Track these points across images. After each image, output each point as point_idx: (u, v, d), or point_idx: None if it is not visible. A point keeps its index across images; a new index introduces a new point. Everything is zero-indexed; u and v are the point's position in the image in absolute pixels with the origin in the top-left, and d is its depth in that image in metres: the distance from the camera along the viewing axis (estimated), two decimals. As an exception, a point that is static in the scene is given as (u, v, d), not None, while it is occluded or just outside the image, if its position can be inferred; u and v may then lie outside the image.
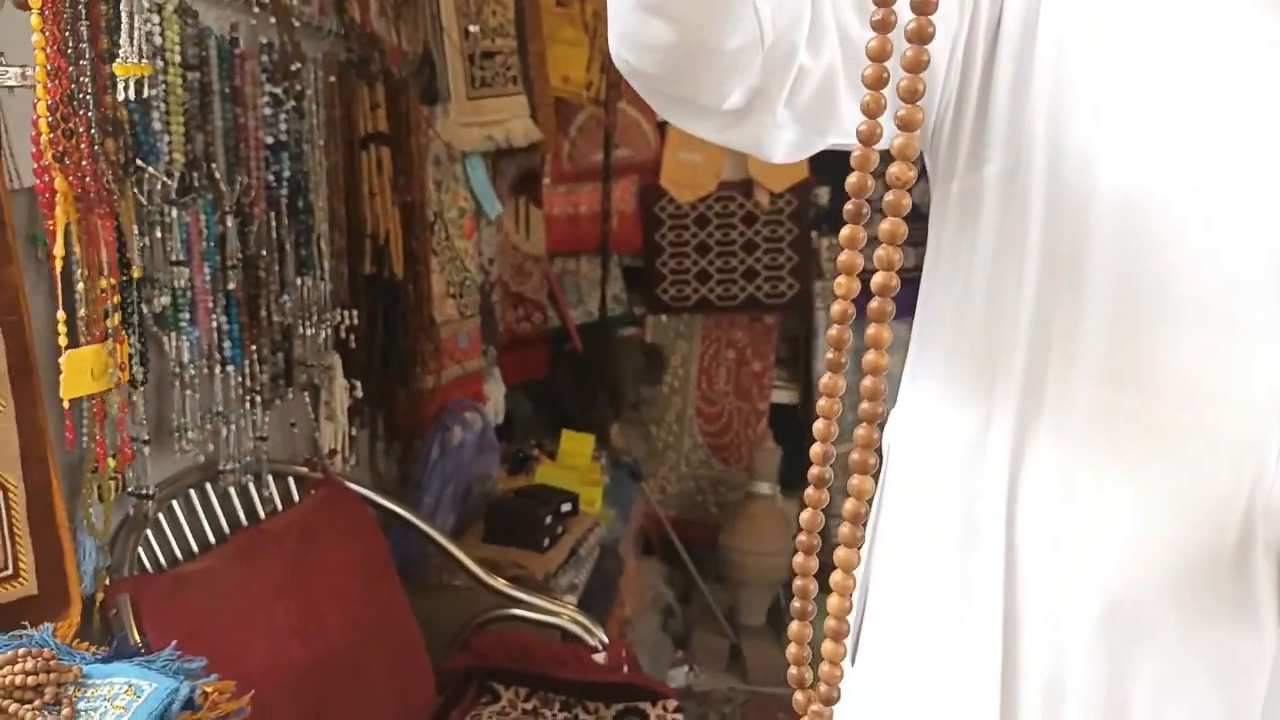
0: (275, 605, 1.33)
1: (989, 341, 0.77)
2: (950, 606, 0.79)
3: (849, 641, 0.91)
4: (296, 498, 1.53)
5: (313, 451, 1.66)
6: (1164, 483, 0.70)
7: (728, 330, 3.00)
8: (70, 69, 0.88)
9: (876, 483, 0.90)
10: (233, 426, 1.38)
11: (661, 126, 2.99)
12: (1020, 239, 0.74)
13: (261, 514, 1.46)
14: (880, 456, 0.72)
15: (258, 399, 1.42)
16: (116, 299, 1.01)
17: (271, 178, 1.43)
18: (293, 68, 1.50)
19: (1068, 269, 0.73)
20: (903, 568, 0.84)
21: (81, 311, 0.96)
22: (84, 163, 0.86)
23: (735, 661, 2.72)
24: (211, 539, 1.37)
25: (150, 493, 1.19)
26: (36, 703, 0.82)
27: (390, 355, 1.89)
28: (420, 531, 1.66)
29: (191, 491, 1.37)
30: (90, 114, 0.90)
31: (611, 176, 3.00)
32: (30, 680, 0.82)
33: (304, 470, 1.56)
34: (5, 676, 0.82)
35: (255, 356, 1.41)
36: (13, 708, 0.80)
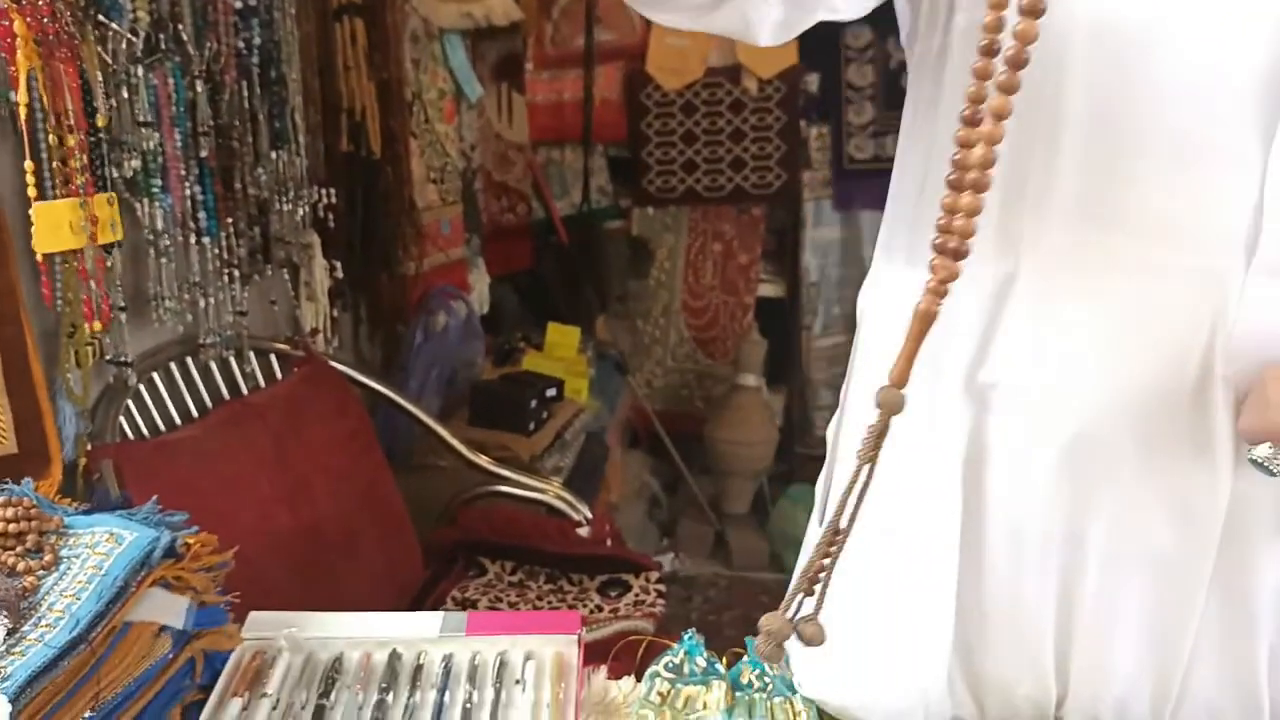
0: (261, 475, 1.34)
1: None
2: (916, 459, 0.79)
3: (817, 508, 0.93)
4: (279, 375, 1.53)
5: (294, 330, 1.64)
6: (1130, 320, 0.69)
7: (714, 222, 2.97)
8: (21, -97, 0.84)
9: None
10: (211, 300, 1.36)
11: (647, 11, 2.91)
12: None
13: (244, 389, 1.45)
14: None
15: (235, 273, 1.40)
16: (84, 157, 0.98)
17: (242, 44, 1.38)
18: (261, -71, 1.44)
19: (1045, 113, 0.71)
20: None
21: (55, 164, 0.94)
22: (41, 3, 0.82)
23: (720, 548, 2.77)
24: (194, 412, 1.37)
25: (129, 360, 1.18)
26: (18, 549, 0.82)
27: (371, 237, 1.86)
28: (405, 412, 1.66)
29: (172, 364, 1.36)
30: (45, -47, 0.86)
31: (595, 62, 2.93)
32: (11, 528, 0.83)
33: (286, 348, 1.55)
34: (-11, 523, 0.82)
35: (232, 230, 1.39)
36: (-4, 553, 0.81)
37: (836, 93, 2.93)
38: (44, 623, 0.76)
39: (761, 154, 2.93)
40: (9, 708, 0.67)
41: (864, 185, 2.93)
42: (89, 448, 1.16)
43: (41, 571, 0.81)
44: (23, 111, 0.85)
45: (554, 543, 1.54)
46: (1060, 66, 0.70)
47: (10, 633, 0.76)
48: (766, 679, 0.93)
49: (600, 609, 1.48)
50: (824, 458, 0.97)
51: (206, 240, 1.32)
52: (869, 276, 0.91)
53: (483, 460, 1.65)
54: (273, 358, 1.53)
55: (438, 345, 2.00)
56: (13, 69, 0.85)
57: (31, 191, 0.88)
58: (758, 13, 0.70)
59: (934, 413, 0.78)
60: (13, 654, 0.73)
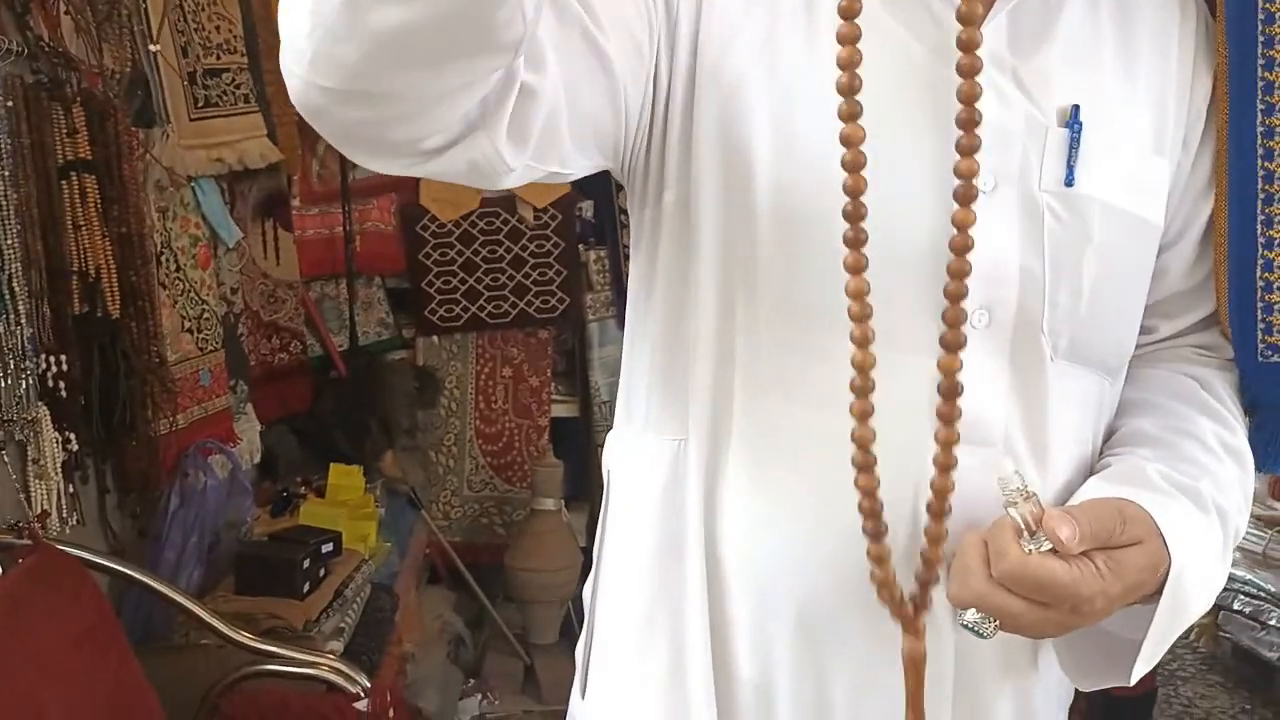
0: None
1: (677, 364, 0.78)
2: (661, 627, 0.78)
3: (579, 674, 0.90)
4: (1, 570, 1.36)
5: (19, 516, 1.48)
6: (840, 492, 0.70)
7: (503, 347, 2.95)
8: None
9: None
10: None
11: (418, 143, 2.90)
12: (695, 265, 0.76)
13: (-48, 594, 1.28)
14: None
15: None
16: None
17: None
18: (-39, 90, 1.34)
19: (740, 290, 0.74)
20: (620, 595, 0.84)
21: None
22: None
23: (530, 681, 2.67)
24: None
25: None
26: None
27: (114, 401, 1.72)
28: (152, 592, 1.51)
29: None
30: None
31: (363, 196, 2.89)
32: None
33: (9, 538, 1.39)
34: None
35: (-69, 416, 1.24)
36: None
37: (611, 217, 3.01)
38: None
39: (543, 279, 2.95)
40: None
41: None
42: None
43: None
44: None
45: (334, 721, 1.43)
46: (749, 250, 0.74)
47: None
48: None
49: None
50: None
51: (-106, 433, 1.17)
52: (611, 435, 0.91)
53: (244, 637, 1.51)
54: (-11, 554, 1.36)
55: (196, 508, 1.86)
56: None
57: None
58: (489, 163, 0.68)
59: (683, 590, 0.78)
60: None
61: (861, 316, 0.64)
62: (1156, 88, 0.78)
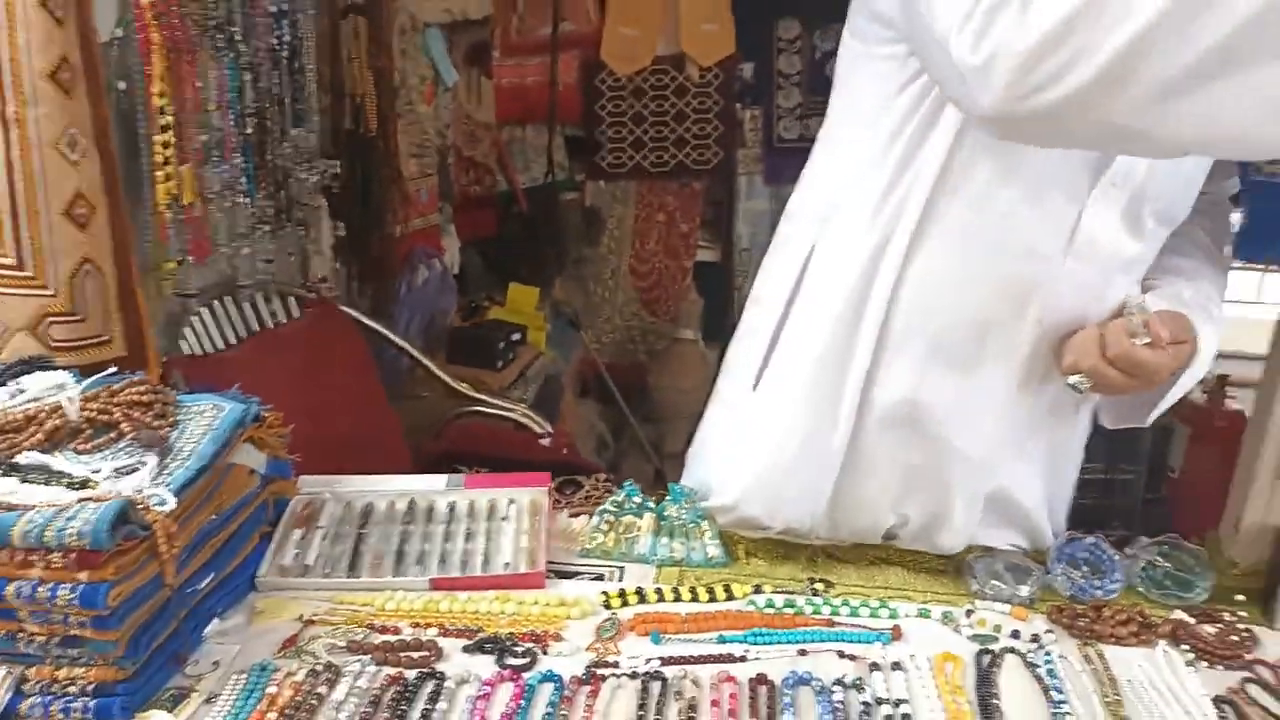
0: (287, 391, 1.67)
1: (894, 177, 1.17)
2: (837, 344, 1.20)
3: (754, 371, 1.29)
4: (297, 313, 1.86)
5: (305, 278, 1.98)
6: (989, 273, 1.15)
7: (659, 195, 3.33)
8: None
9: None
10: (247, 250, 1.69)
11: (601, 1, 3.23)
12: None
13: (270, 324, 1.79)
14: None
15: (266, 229, 1.73)
16: (176, 135, 1.31)
17: (274, 41, 1.70)
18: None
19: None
20: (810, 322, 1.23)
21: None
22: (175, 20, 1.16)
23: (659, 484, 3.13)
24: (232, 339, 1.70)
25: (193, 293, 1.52)
26: (149, 416, 1.16)
27: (366, 202, 2.19)
28: (398, 348, 2.00)
29: (215, 302, 1.69)
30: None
31: (558, 50, 3.25)
32: (145, 398, 1.16)
33: (303, 292, 1.89)
34: (128, 394, 1.15)
35: (263, 194, 1.72)
36: (136, 414, 1.14)
37: (769, 80, 3.29)
38: (178, 459, 1.10)
39: (701, 134, 3.28)
40: (172, 500, 1.01)
41: (791, 162, 3.28)
42: (163, 359, 1.49)
43: (168, 429, 1.15)
44: (156, 102, 1.18)
45: (521, 451, 1.89)
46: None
47: (159, 465, 1.10)
48: (683, 511, 1.31)
49: (558, 503, 1.83)
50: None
51: (246, 201, 1.65)
52: (818, 211, 1.27)
53: (463, 387, 2.00)
54: (292, 300, 1.86)
55: (419, 296, 2.34)
56: (148, 68, 1.17)
57: (159, 158, 1.21)
58: None
59: (858, 328, 1.20)
60: (163, 475, 1.07)
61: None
62: None
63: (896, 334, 1.20)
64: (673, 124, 3.26)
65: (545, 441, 1.91)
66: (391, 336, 2.00)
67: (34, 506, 0.93)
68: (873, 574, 1.30)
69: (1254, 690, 1.11)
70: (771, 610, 1.19)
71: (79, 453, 1.07)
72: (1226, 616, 1.23)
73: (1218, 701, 1.08)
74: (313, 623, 1.11)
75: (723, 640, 1.13)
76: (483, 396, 2.00)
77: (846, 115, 1.26)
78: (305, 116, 1.82)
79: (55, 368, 1.19)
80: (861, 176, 1.20)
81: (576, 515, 1.37)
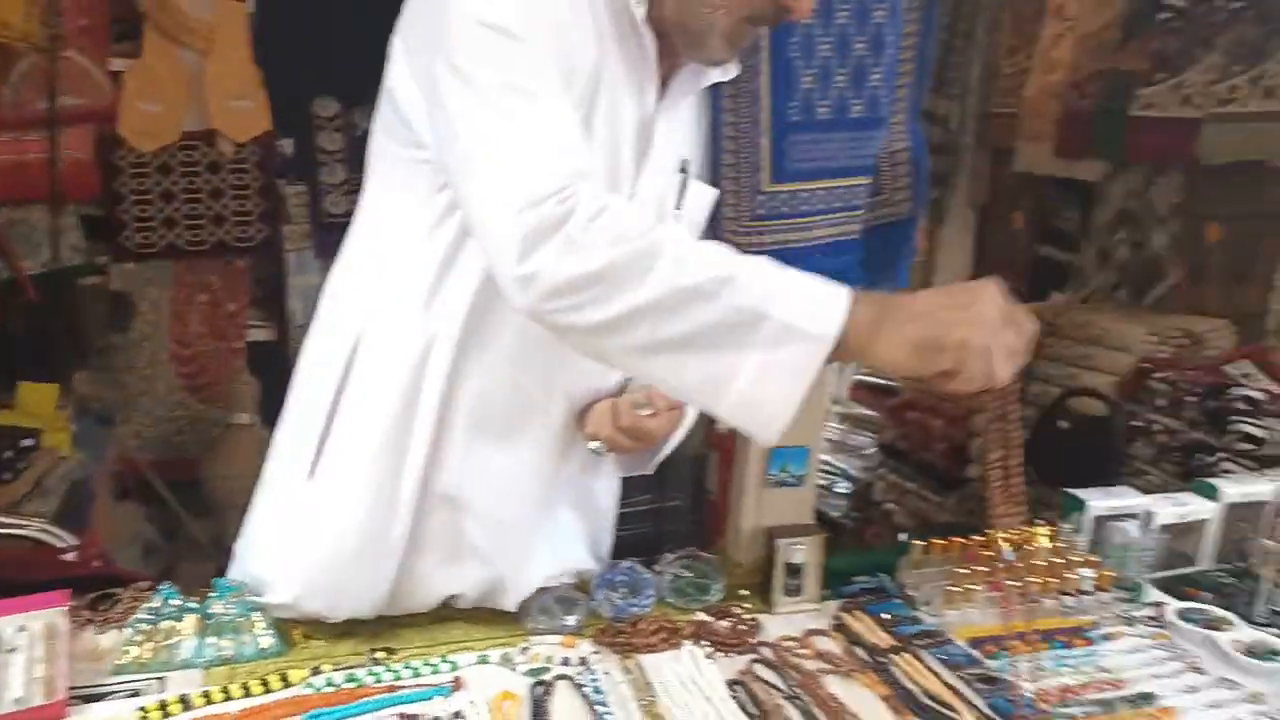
0: None
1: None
2: (394, 436, 1.24)
3: (309, 459, 1.26)
4: None
5: None
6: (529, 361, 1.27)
7: (200, 274, 3.13)
8: None
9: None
10: None
11: (116, 75, 3.00)
12: None
13: None
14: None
15: None
16: None
17: None
18: None
19: None
20: (364, 413, 1.24)
21: None
22: None
23: (226, 582, 2.92)
24: None
25: None
26: None
27: None
28: None
29: None
30: None
31: (61, 124, 2.95)
32: None
33: None
34: None
35: None
36: None
37: (310, 156, 3.25)
38: None
39: (242, 210, 3.16)
40: None
41: (340, 237, 3.27)
42: None
43: None
44: None
45: (44, 570, 1.67)
46: None
47: None
48: (230, 605, 1.25)
49: (90, 621, 1.64)
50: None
51: None
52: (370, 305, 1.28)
53: (-43, 505, 1.72)
54: None
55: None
56: None
57: None
58: None
59: (409, 419, 1.25)
60: None
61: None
62: None
63: (447, 422, 1.26)
64: (209, 201, 3.09)
65: (70, 556, 1.71)
66: None
67: None
68: (434, 633, 1.34)
69: (759, 668, 1.30)
70: (331, 689, 1.18)
71: None
72: (735, 610, 1.42)
73: (731, 684, 1.25)
74: None
75: (279, 728, 1.09)
76: (-15, 514, 1.74)
77: (385, 201, 1.28)
78: None
79: None
80: (408, 268, 1.24)
81: (108, 630, 1.25)
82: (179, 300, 3.13)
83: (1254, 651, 1.36)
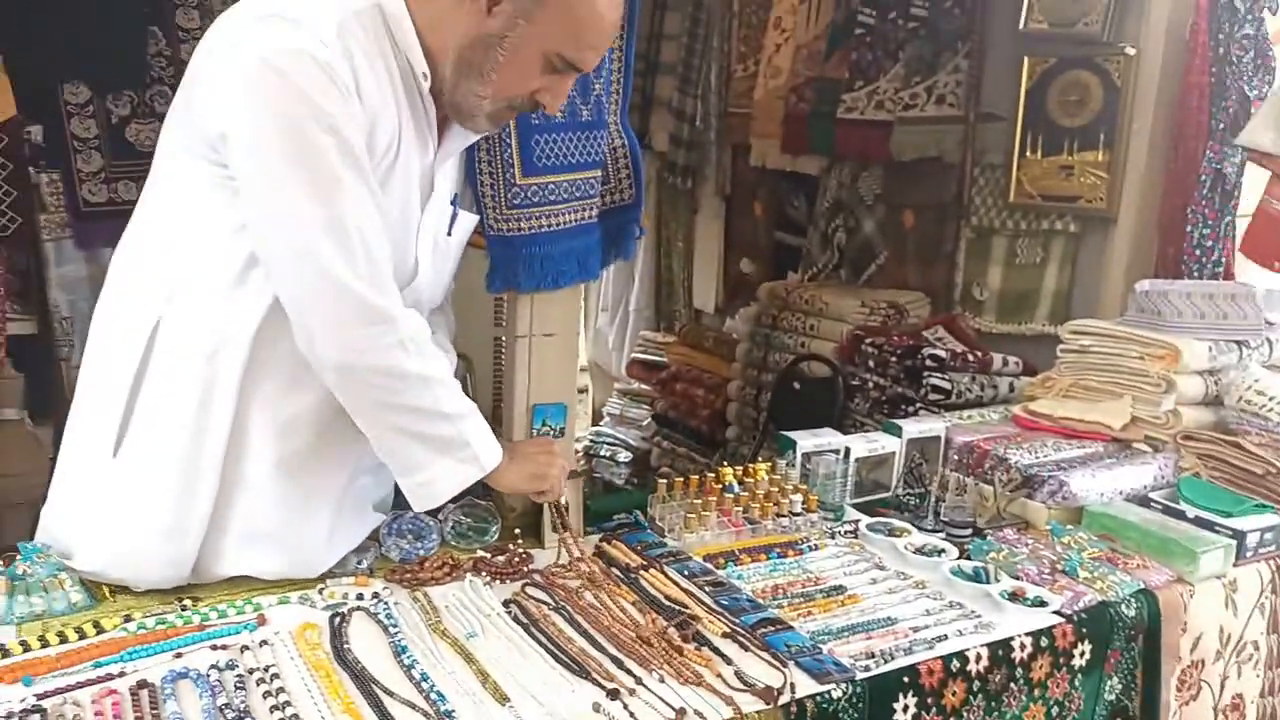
0: None
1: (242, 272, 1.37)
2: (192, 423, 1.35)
3: (112, 438, 1.36)
4: None
5: None
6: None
7: (-49, 267, 2.99)
8: None
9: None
10: None
11: None
12: None
13: None
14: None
15: None
16: None
17: None
18: None
19: None
20: (165, 399, 1.35)
21: None
22: None
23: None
24: None
25: None
26: None
27: None
28: None
29: None
30: None
31: None
32: None
33: None
34: None
35: None
36: None
37: (62, 143, 3.16)
38: None
39: (-8, 199, 3.04)
40: None
41: (104, 226, 3.20)
42: None
43: None
44: None
45: None
46: None
47: None
48: (38, 566, 1.35)
49: None
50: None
51: None
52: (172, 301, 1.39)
53: None
54: None
55: None
56: None
57: None
58: None
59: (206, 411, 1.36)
60: None
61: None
62: None
63: (245, 412, 1.38)
64: (-46, 189, 2.96)
65: None
66: None
67: None
68: (237, 583, 1.48)
69: (530, 590, 1.54)
70: (144, 631, 1.31)
71: None
72: (510, 547, 1.65)
73: (505, 604, 1.48)
74: None
75: (99, 665, 1.22)
76: None
77: (181, 195, 1.38)
78: None
79: None
80: (209, 263, 1.36)
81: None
82: (-70, 293, 2.98)
83: (922, 551, 1.73)
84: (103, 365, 1.42)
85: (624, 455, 3.78)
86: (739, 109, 3.71)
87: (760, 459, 2.03)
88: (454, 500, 1.67)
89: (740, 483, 1.86)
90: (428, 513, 1.64)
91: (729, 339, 3.54)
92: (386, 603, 1.45)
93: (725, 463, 2.31)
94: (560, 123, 1.60)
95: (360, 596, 1.46)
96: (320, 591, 1.47)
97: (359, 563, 1.56)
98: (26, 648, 1.23)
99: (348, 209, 1.29)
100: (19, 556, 1.36)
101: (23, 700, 1.12)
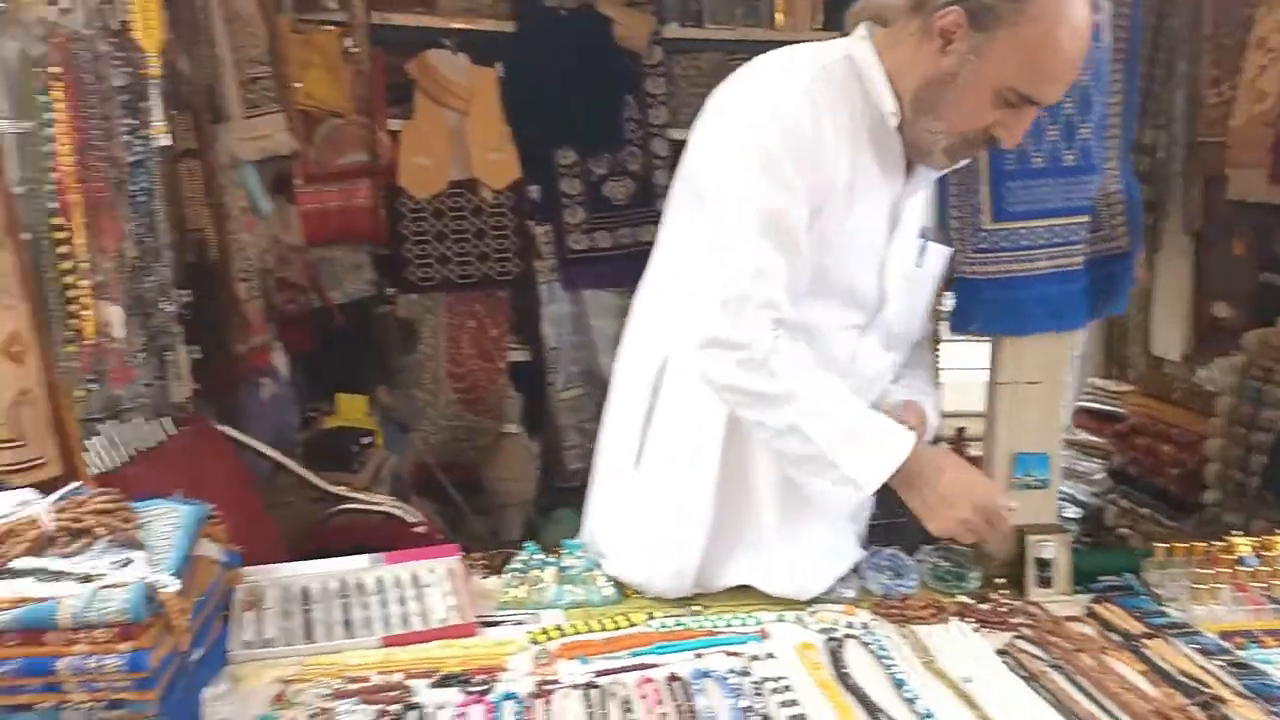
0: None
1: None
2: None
3: (634, 452, 1.58)
4: (173, 431, 1.96)
5: (161, 401, 2.07)
6: None
7: (468, 304, 3.58)
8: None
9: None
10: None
11: (394, 134, 3.49)
12: None
13: (152, 443, 1.88)
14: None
15: (142, 356, 1.85)
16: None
17: (134, 188, 1.83)
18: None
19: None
20: (671, 426, 1.55)
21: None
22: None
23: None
24: (125, 458, 1.79)
25: (100, 416, 1.62)
26: (118, 520, 1.28)
27: (211, 328, 2.31)
28: (269, 459, 2.13)
29: (103, 425, 1.78)
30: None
31: (350, 178, 3.46)
32: (111, 505, 1.29)
33: (176, 411, 1.99)
34: (95, 504, 1.28)
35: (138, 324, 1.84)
36: (107, 520, 1.26)
37: (554, 200, 3.66)
38: (158, 553, 1.24)
39: (500, 248, 3.59)
40: (175, 582, 1.15)
41: (584, 270, 3.66)
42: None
43: (136, 530, 1.27)
44: (81, 250, 1.34)
45: (398, 540, 2.06)
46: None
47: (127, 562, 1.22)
48: (579, 560, 1.57)
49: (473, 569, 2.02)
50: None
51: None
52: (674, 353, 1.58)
53: (340, 489, 2.15)
54: (168, 420, 1.96)
55: (264, 410, 2.47)
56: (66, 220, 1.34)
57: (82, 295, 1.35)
58: None
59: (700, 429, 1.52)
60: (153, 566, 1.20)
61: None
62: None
63: (738, 437, 1.52)
64: (474, 240, 3.55)
65: (420, 529, 2.10)
66: (264, 448, 2.12)
67: (62, 597, 1.06)
68: (735, 594, 1.61)
69: (1022, 643, 1.50)
70: (666, 629, 1.47)
71: (64, 556, 1.19)
72: (993, 596, 1.63)
73: (997, 653, 1.46)
74: (291, 682, 1.27)
75: (636, 654, 1.40)
76: (355, 495, 2.16)
77: (685, 249, 1.56)
78: (159, 253, 1.94)
79: (10, 488, 1.30)
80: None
81: (489, 577, 1.60)
82: (452, 326, 3.58)
83: None
84: (621, 400, 1.65)
85: (1072, 511, 3.53)
86: (1209, 138, 3.35)
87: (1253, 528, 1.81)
88: (930, 542, 1.69)
89: (1258, 555, 1.67)
90: (905, 551, 1.67)
91: (1202, 391, 3.18)
92: (876, 635, 1.49)
93: (1207, 529, 2.08)
94: (1038, 169, 1.58)
95: (850, 625, 1.52)
96: (811, 614, 1.55)
97: (845, 592, 1.62)
98: (577, 630, 1.44)
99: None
100: (564, 552, 1.60)
101: (584, 676, 1.32)
